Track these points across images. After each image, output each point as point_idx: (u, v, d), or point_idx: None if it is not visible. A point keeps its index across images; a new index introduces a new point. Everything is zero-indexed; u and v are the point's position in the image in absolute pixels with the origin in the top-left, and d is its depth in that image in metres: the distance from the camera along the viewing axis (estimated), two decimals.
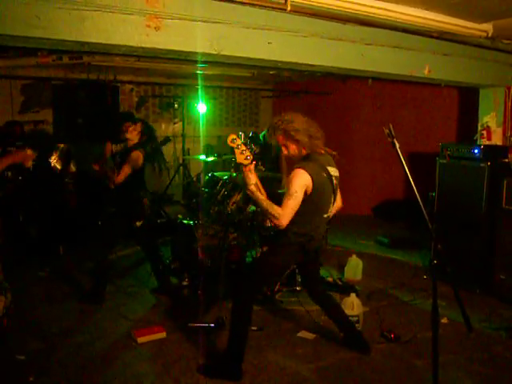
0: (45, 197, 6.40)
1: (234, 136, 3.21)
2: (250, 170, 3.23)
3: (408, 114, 8.27)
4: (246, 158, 3.20)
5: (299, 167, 3.21)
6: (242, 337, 3.33)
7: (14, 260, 5.38)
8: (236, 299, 3.38)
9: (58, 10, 2.87)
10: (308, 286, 3.87)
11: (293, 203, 3.14)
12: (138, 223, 4.76)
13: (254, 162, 3.23)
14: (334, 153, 3.47)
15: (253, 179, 3.24)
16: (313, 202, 3.24)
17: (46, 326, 4.13)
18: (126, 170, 4.54)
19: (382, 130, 2.55)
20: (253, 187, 3.23)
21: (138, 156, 4.59)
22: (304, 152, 3.33)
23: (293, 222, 3.20)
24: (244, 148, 3.21)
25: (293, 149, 3.34)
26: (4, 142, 6.58)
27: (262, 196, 3.26)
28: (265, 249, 4.79)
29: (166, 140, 5.61)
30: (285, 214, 3.14)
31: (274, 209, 3.16)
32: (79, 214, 6.50)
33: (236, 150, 3.21)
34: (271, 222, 3.26)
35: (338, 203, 3.57)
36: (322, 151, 3.37)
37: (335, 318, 3.79)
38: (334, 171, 3.39)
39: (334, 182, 3.37)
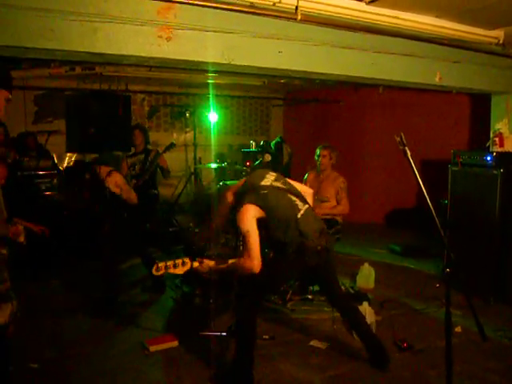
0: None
1: (156, 265, 3.06)
2: (198, 266, 3.19)
3: (419, 122, 8.23)
4: (183, 265, 3.11)
5: (242, 205, 3.19)
6: (248, 347, 3.30)
7: (28, 270, 5.43)
8: (238, 312, 3.38)
9: (71, 22, 2.92)
10: (326, 294, 3.78)
11: (251, 240, 3.07)
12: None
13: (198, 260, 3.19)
14: None
15: (205, 269, 3.23)
16: (273, 217, 3.23)
17: (59, 335, 4.16)
18: None
19: (393, 138, 2.54)
20: (212, 269, 3.24)
21: None
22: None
23: (274, 241, 3.28)
24: (176, 262, 3.09)
25: None
26: (18, 153, 6.67)
27: (222, 265, 3.25)
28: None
29: (171, 146, 5.78)
30: (249, 255, 3.07)
31: (240, 261, 3.14)
32: (91, 224, 6.54)
33: (172, 271, 3.09)
34: (247, 272, 3.12)
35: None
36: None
37: (355, 326, 3.71)
38: (271, 180, 3.39)
39: (280, 186, 3.37)
